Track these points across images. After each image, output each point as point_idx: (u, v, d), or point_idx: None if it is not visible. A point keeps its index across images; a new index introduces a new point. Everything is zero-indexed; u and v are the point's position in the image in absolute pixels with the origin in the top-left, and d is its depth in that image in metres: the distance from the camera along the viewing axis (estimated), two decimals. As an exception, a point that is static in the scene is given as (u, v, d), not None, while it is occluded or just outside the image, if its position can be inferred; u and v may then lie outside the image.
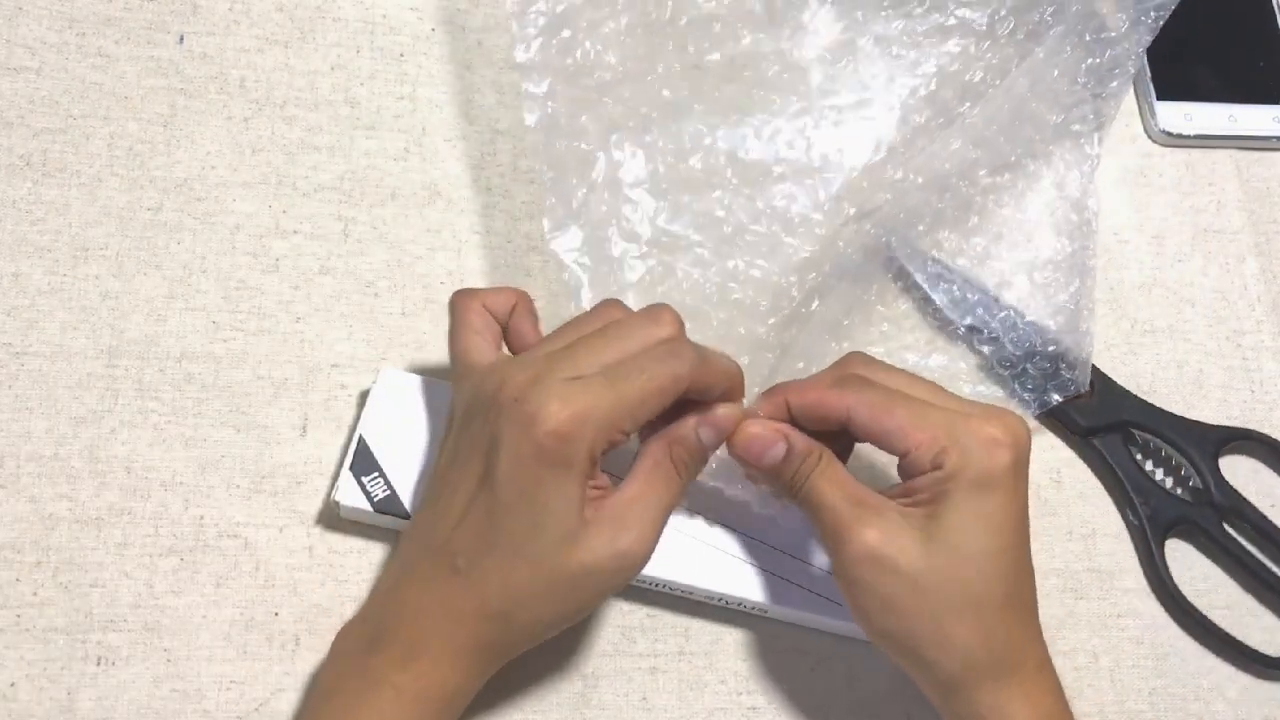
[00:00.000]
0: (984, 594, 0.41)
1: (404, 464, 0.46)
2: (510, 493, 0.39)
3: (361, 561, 0.47)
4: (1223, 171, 0.61)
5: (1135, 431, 0.54)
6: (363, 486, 0.46)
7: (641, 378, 0.40)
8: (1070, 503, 0.53)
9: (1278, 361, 0.57)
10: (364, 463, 0.46)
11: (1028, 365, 0.53)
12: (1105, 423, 0.53)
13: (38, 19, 0.54)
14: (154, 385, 0.49)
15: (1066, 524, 0.53)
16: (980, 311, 0.53)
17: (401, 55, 0.56)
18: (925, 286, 0.53)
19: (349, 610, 0.46)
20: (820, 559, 0.47)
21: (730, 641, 0.48)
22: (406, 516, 0.46)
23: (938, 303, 0.53)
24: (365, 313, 0.51)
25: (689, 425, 0.43)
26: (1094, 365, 0.53)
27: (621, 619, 0.48)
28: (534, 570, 0.40)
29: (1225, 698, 0.51)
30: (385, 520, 0.46)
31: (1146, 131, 0.61)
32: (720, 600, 0.47)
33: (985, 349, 0.53)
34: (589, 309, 0.45)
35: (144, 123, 0.53)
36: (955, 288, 0.53)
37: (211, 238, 0.51)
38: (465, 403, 0.42)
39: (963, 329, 0.53)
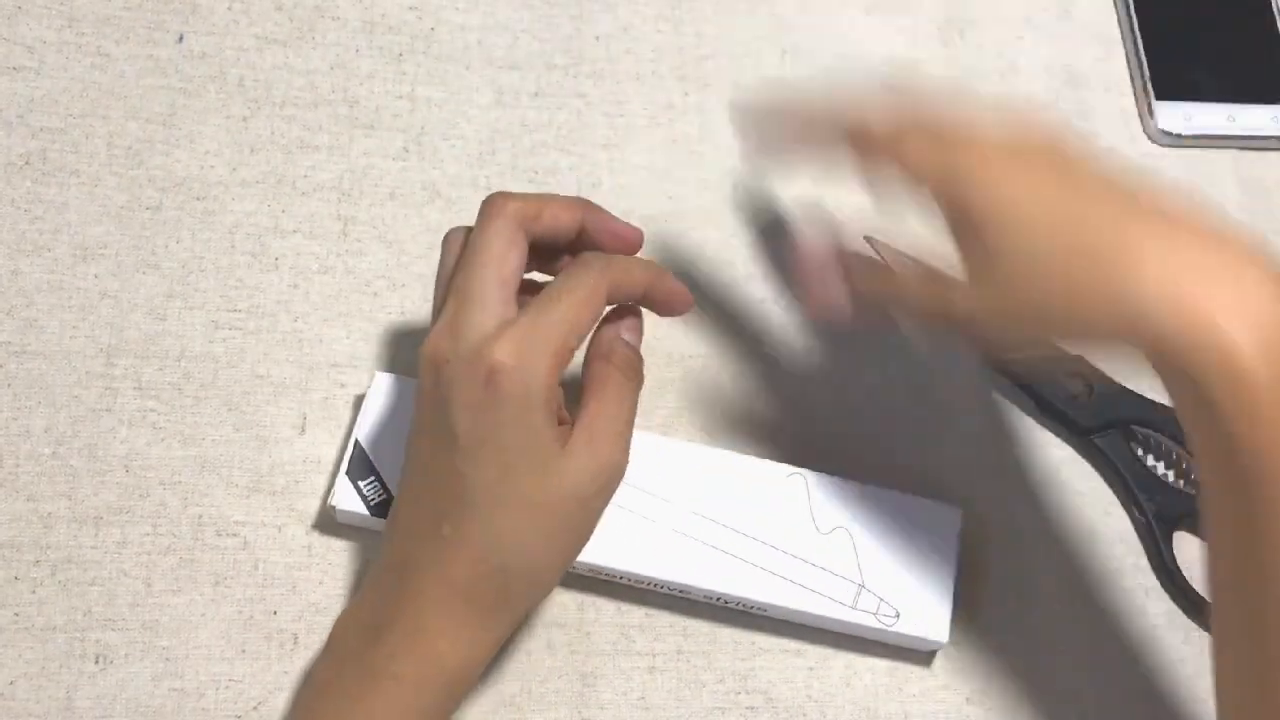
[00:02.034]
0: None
1: (400, 467, 0.46)
2: (472, 443, 0.39)
3: (361, 561, 0.47)
4: (1222, 172, 0.61)
5: (1136, 428, 0.54)
6: (359, 491, 0.46)
7: (561, 303, 0.40)
8: (1071, 503, 0.53)
9: (1277, 361, 0.57)
10: (360, 468, 0.46)
11: None
12: (1105, 421, 0.53)
13: (37, 18, 0.54)
14: (153, 384, 0.49)
15: (1067, 524, 0.53)
16: None
17: (400, 55, 0.56)
18: None
19: (348, 609, 0.46)
20: (814, 553, 0.47)
21: (728, 641, 0.48)
22: None
23: None
24: (364, 312, 0.51)
25: (611, 335, 0.43)
26: (1092, 364, 0.53)
27: (620, 618, 0.48)
28: (518, 513, 0.39)
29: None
30: (382, 524, 0.46)
31: (1145, 131, 0.61)
32: (717, 599, 0.47)
33: None
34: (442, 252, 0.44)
35: (143, 122, 0.53)
36: None
37: (210, 237, 0.51)
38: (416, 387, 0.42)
39: None
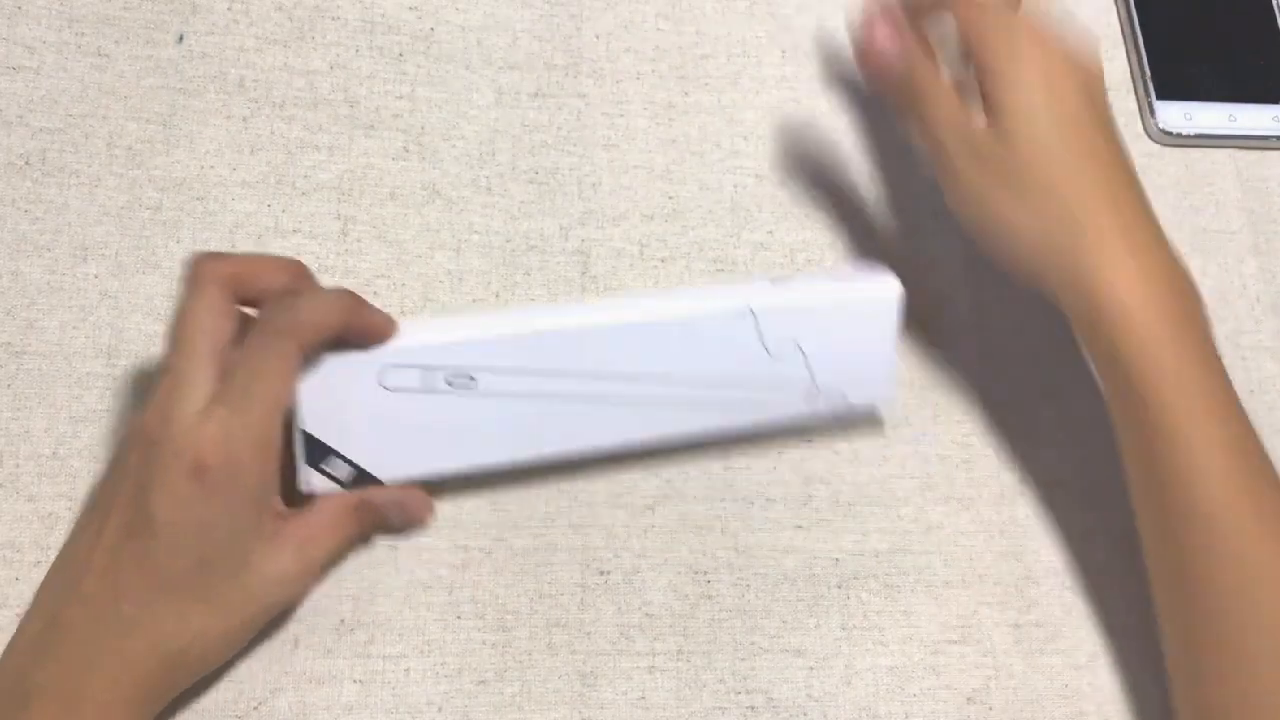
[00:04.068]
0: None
1: (356, 437, 0.45)
2: (172, 533, 0.38)
3: (359, 561, 0.47)
4: (1222, 171, 0.61)
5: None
6: (325, 472, 0.45)
7: (255, 370, 0.39)
8: (1069, 501, 0.53)
9: (1277, 361, 0.57)
10: (316, 452, 0.46)
11: None
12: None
13: (37, 18, 0.54)
14: (153, 385, 0.49)
15: (1068, 524, 0.53)
16: None
17: (400, 55, 0.56)
18: None
19: (346, 608, 0.46)
20: (768, 374, 0.49)
21: (729, 640, 0.48)
22: (380, 484, 0.46)
23: None
24: (364, 312, 0.51)
25: (387, 504, 0.45)
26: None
27: (620, 618, 0.48)
28: (212, 606, 0.39)
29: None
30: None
31: (1146, 131, 0.61)
32: (675, 441, 0.49)
33: None
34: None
35: (143, 122, 0.53)
36: None
37: (211, 237, 0.51)
38: (127, 427, 0.42)
39: None
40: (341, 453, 0.45)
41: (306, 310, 0.41)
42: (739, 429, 0.49)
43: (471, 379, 0.45)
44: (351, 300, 0.42)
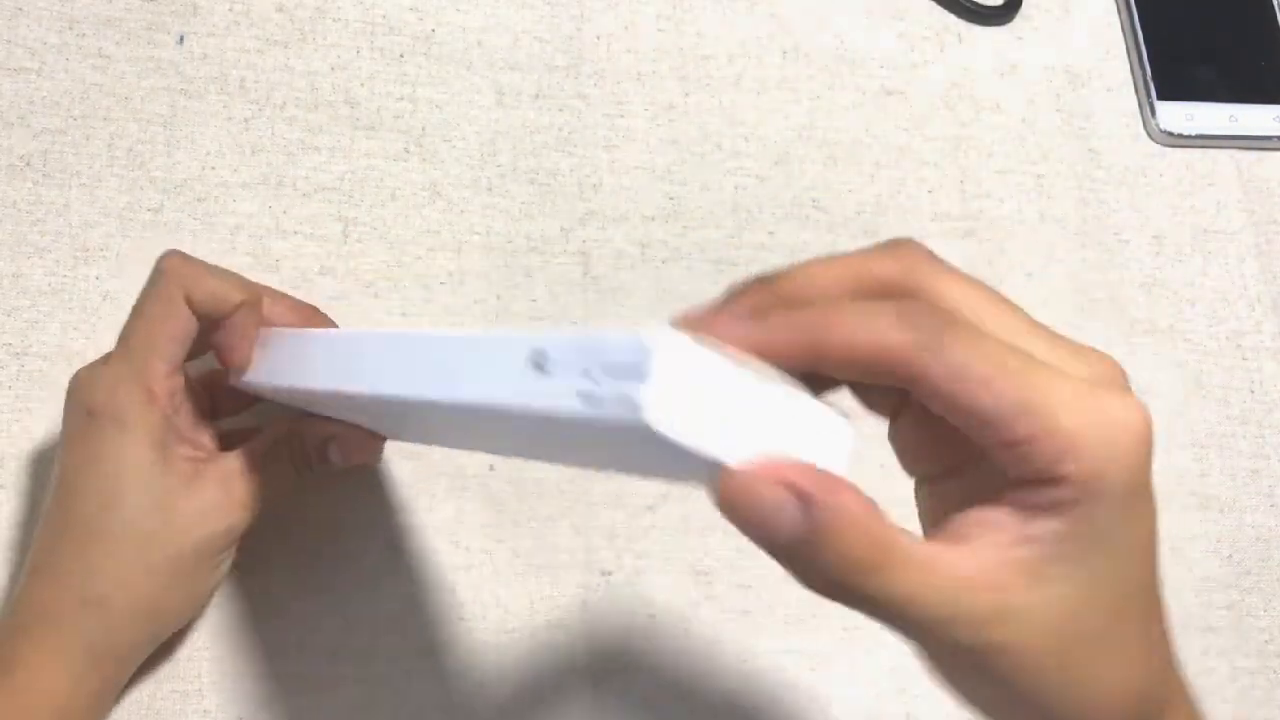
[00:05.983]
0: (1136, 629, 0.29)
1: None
2: (70, 475, 0.40)
3: (359, 561, 0.47)
4: (1223, 171, 0.61)
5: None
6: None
7: (139, 321, 0.40)
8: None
9: (1277, 362, 0.57)
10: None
11: None
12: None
13: (38, 19, 0.54)
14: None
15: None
16: None
17: (401, 55, 0.56)
18: None
19: (347, 610, 0.46)
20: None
21: (730, 641, 0.48)
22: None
23: None
24: (365, 313, 0.51)
25: (318, 437, 0.42)
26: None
27: (623, 619, 0.48)
28: (120, 546, 0.39)
29: (1224, 697, 0.51)
30: None
31: (1147, 131, 0.61)
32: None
33: None
34: None
35: (144, 123, 0.53)
36: None
37: (212, 238, 0.51)
38: None
39: None
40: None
41: (198, 264, 0.41)
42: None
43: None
44: (258, 295, 0.41)
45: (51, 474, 0.41)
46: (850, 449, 0.29)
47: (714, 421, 0.26)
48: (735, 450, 0.27)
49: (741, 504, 0.26)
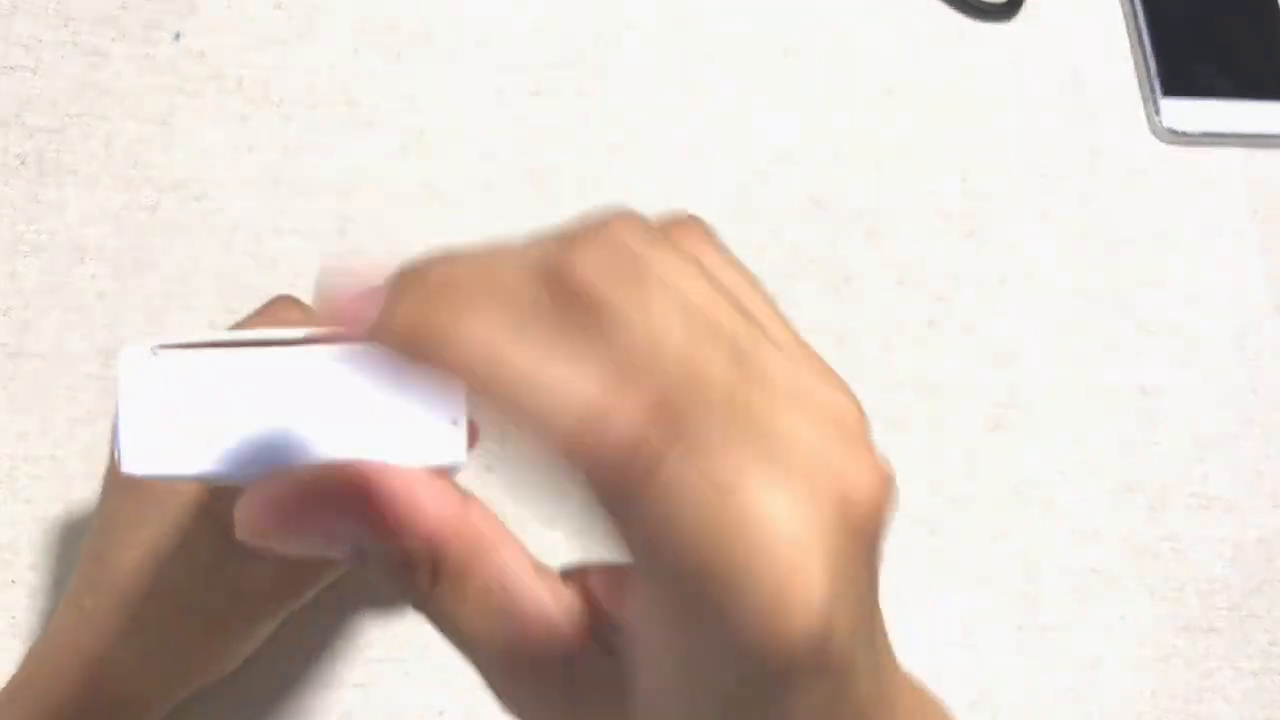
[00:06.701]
0: None
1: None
2: (110, 525, 0.39)
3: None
4: (1228, 169, 0.60)
5: (1138, 432, 0.53)
6: None
7: None
8: (1071, 503, 0.53)
9: (1282, 361, 0.57)
10: None
11: None
12: (1108, 423, 0.53)
13: (33, 17, 0.53)
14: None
15: (1068, 525, 0.52)
16: None
17: (399, 54, 0.56)
18: None
19: (346, 612, 0.46)
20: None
21: (729, 644, 0.48)
22: None
23: None
24: (363, 313, 0.51)
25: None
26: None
27: (620, 621, 0.48)
28: (166, 601, 0.38)
29: (1227, 699, 0.50)
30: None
31: (1152, 129, 0.61)
32: None
33: None
34: None
35: (141, 121, 0.53)
36: None
37: (209, 237, 0.51)
38: None
39: None
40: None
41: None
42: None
43: None
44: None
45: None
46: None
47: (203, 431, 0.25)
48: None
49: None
